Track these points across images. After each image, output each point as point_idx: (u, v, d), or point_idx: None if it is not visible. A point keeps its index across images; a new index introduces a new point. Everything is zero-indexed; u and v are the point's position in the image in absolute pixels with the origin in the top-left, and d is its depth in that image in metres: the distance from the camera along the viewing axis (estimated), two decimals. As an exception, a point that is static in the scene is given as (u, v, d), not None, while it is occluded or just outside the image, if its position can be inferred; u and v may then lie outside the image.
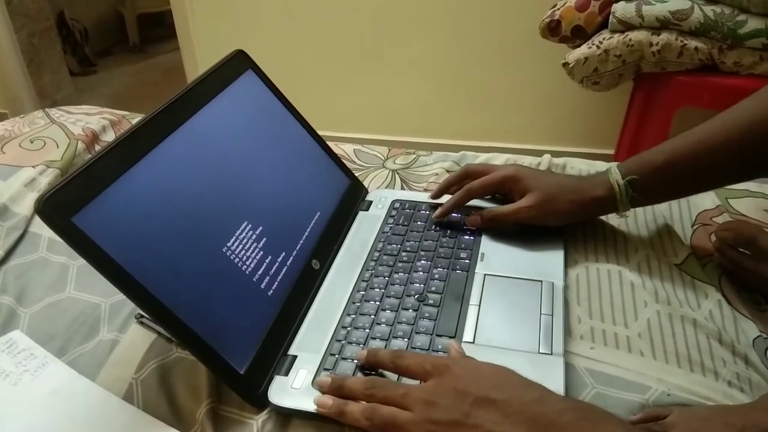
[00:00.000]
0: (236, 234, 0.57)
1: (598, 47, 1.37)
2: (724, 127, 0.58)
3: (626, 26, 1.35)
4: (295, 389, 0.51)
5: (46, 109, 1.01)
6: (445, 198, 0.71)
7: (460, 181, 0.72)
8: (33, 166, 0.83)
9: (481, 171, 0.70)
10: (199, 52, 2.16)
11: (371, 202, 0.75)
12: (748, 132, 0.57)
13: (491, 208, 0.67)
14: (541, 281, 0.59)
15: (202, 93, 0.61)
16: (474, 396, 0.43)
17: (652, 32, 1.33)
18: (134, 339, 0.58)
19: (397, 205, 0.74)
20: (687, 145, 0.60)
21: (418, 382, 0.49)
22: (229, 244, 0.55)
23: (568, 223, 0.66)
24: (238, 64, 0.67)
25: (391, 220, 0.71)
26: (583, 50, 1.40)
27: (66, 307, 0.63)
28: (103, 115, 0.98)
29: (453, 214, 0.70)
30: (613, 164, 0.63)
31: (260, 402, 0.51)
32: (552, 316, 0.55)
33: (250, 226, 0.58)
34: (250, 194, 0.61)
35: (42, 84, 2.66)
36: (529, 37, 1.66)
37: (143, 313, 0.60)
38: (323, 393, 0.49)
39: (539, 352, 0.52)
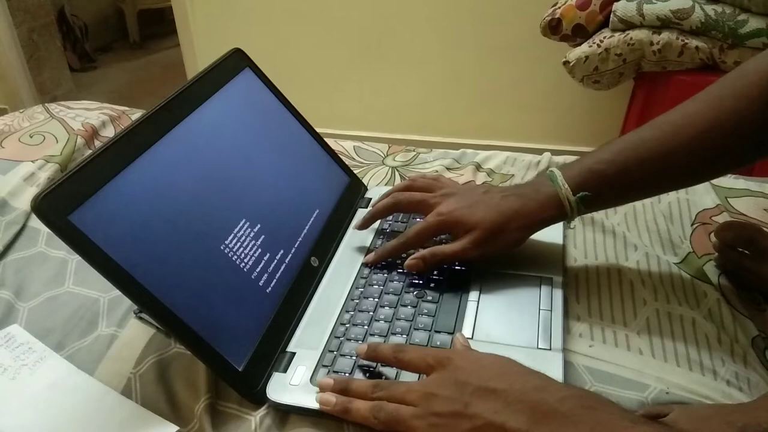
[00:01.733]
0: (234, 232, 0.56)
1: (598, 46, 1.37)
2: (676, 134, 0.55)
3: (627, 25, 1.35)
4: (294, 386, 0.51)
5: (46, 104, 1.00)
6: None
7: (389, 213, 0.67)
8: (32, 161, 0.83)
9: (411, 205, 0.64)
10: (199, 48, 2.15)
11: (370, 199, 0.75)
12: (700, 139, 0.54)
13: (433, 249, 0.60)
14: (540, 277, 0.59)
15: (199, 92, 0.61)
16: (474, 386, 0.43)
17: (653, 31, 1.32)
18: (133, 334, 0.58)
19: (396, 202, 0.73)
20: (639, 154, 0.56)
21: (417, 377, 0.49)
22: (227, 242, 0.55)
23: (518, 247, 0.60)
24: (235, 62, 0.67)
25: (390, 217, 0.71)
26: (584, 49, 1.40)
27: (64, 302, 0.63)
28: (103, 111, 0.98)
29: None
30: (557, 173, 0.58)
31: (259, 399, 0.51)
32: (551, 311, 0.55)
33: (248, 223, 0.58)
34: (248, 192, 0.60)
35: (42, 80, 2.65)
36: (529, 35, 1.66)
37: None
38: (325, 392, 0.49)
39: (538, 348, 0.52)
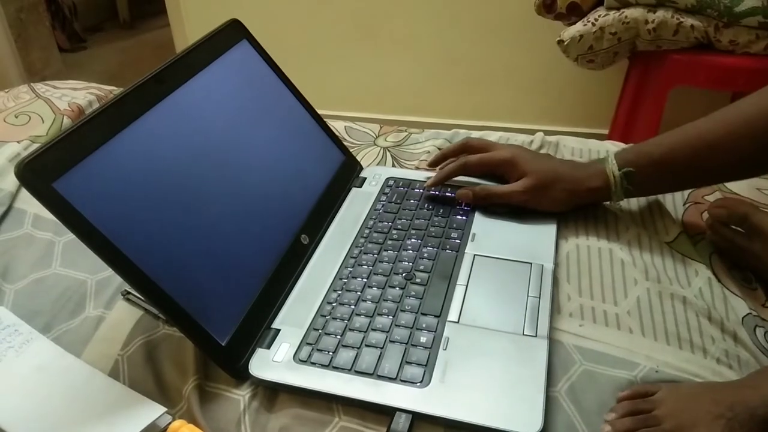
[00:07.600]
0: (223, 205, 0.56)
1: (593, 24, 1.36)
2: (726, 124, 0.57)
3: (622, 3, 1.33)
4: (277, 362, 0.50)
5: (32, 84, 0.99)
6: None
7: (458, 153, 0.71)
8: (18, 142, 0.82)
9: (480, 147, 0.69)
10: (189, 28, 2.12)
11: (365, 178, 0.74)
12: (749, 130, 0.55)
13: (485, 185, 0.67)
14: (531, 263, 0.59)
15: (193, 62, 0.59)
16: None
17: (648, 9, 1.31)
18: (120, 316, 0.57)
19: (391, 182, 0.73)
20: (687, 140, 0.58)
21: None
22: (216, 216, 0.55)
23: (561, 211, 0.65)
24: (232, 33, 0.66)
25: (383, 198, 0.70)
26: (579, 27, 1.38)
27: (52, 284, 0.62)
28: (90, 90, 0.96)
29: (447, 192, 0.69)
30: (611, 153, 0.62)
31: (240, 374, 0.50)
32: (539, 298, 0.55)
33: (238, 197, 0.57)
34: (239, 165, 0.59)
35: (30, 60, 2.61)
36: (523, 14, 1.64)
37: (130, 290, 0.59)
38: None
39: (523, 334, 0.52)
